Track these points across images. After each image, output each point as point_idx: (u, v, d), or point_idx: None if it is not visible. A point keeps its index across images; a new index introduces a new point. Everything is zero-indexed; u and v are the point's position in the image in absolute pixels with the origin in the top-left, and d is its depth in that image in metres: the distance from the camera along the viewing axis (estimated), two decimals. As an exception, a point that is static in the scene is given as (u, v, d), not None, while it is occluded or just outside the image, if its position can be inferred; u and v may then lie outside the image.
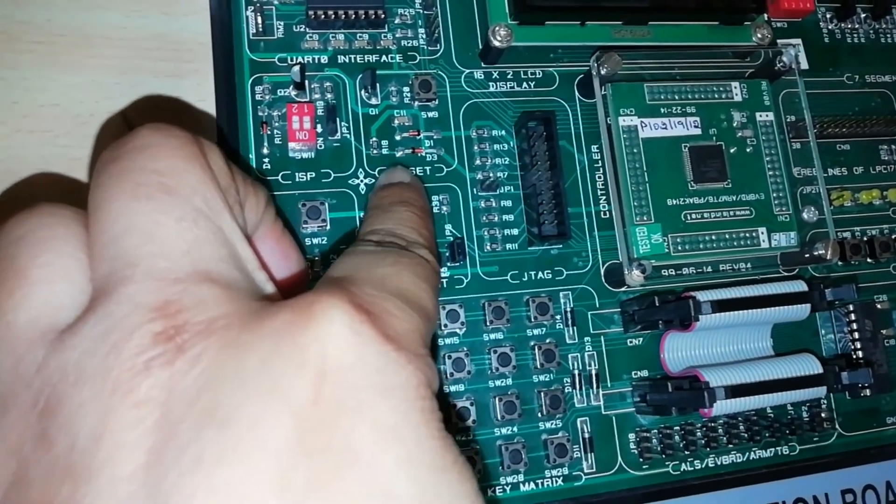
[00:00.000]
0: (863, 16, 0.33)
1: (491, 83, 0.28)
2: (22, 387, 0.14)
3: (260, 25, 0.26)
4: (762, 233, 0.28)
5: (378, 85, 0.27)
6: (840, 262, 0.30)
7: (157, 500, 0.12)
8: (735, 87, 0.29)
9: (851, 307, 0.29)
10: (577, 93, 0.29)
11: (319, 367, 0.13)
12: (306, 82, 0.26)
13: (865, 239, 0.31)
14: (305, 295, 0.14)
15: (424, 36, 0.28)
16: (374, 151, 0.26)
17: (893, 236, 0.31)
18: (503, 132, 0.28)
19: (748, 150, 0.28)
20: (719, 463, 0.27)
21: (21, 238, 0.15)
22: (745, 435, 0.27)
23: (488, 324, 0.26)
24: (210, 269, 0.15)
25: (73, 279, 0.15)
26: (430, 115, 0.27)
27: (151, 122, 0.16)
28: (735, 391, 0.25)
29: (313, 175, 0.26)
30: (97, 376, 0.13)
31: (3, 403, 0.14)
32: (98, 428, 0.13)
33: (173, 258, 0.14)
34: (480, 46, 0.28)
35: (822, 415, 0.28)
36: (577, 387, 0.26)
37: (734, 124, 0.28)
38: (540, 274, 0.27)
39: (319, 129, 0.26)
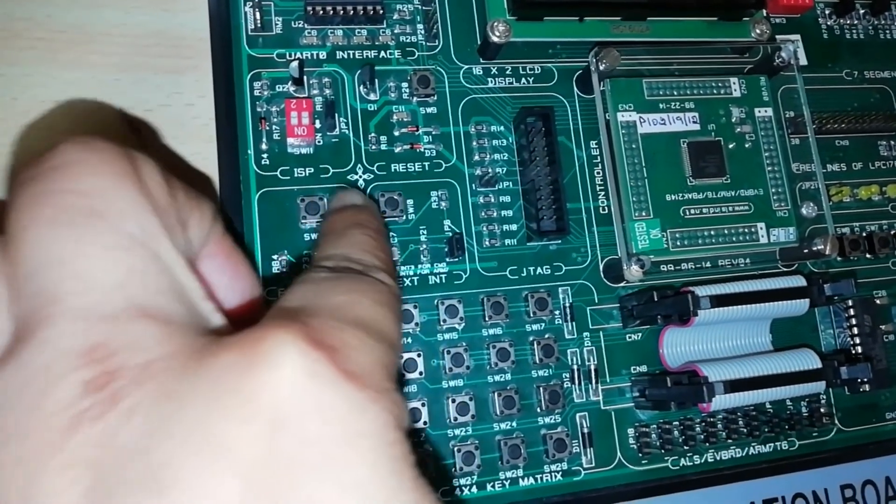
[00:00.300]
0: (861, 12, 0.33)
1: (489, 79, 0.28)
2: None
3: (258, 21, 0.26)
4: (761, 228, 0.28)
5: (377, 80, 0.27)
6: (839, 258, 0.30)
7: None
8: (734, 83, 0.29)
9: (850, 302, 0.29)
10: (575, 88, 0.29)
11: (271, 417, 0.12)
12: (305, 78, 0.26)
13: (864, 234, 0.31)
14: (253, 330, 0.13)
15: (423, 32, 0.28)
16: (373, 147, 0.26)
17: (892, 232, 0.31)
18: (502, 128, 0.28)
19: (747, 145, 0.28)
20: (718, 458, 0.27)
21: None
22: (745, 430, 0.27)
23: (487, 319, 0.26)
24: (146, 304, 0.13)
25: None
26: (429, 110, 0.27)
27: (76, 135, 0.14)
28: (734, 386, 0.25)
29: (312, 171, 0.26)
30: (20, 435, 0.12)
31: None
32: (24, 494, 0.11)
33: (103, 293, 0.13)
34: (479, 42, 0.28)
35: (822, 410, 0.28)
36: (576, 382, 0.27)
37: (733, 120, 0.28)
38: (539, 269, 0.27)
39: (318, 124, 0.26)
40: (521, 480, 0.25)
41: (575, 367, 0.27)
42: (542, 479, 0.26)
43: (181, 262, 0.14)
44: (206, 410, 0.12)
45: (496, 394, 0.25)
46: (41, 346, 0.12)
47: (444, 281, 0.26)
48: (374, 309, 0.16)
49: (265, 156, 0.25)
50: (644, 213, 0.27)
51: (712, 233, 0.27)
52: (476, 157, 0.27)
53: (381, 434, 0.12)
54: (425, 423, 0.25)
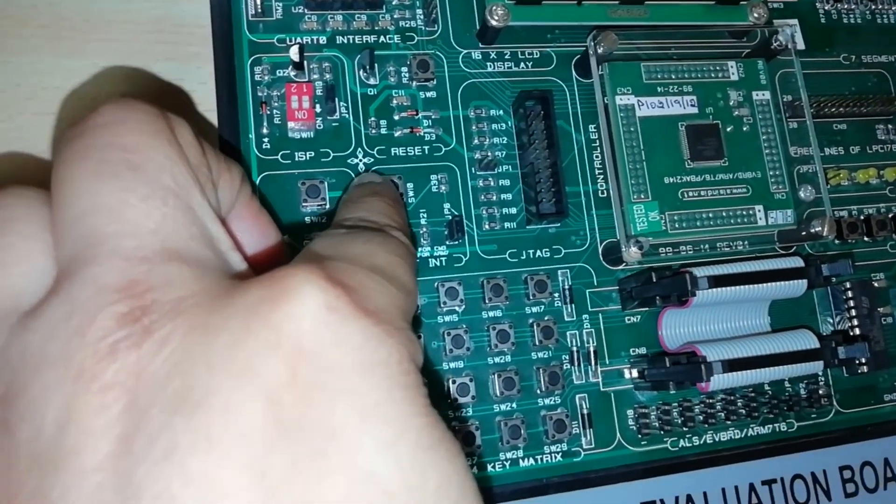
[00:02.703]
0: (859, -4, 0.34)
1: (489, 63, 0.28)
2: None
3: (259, 7, 0.26)
4: (759, 210, 0.28)
5: (376, 65, 0.27)
6: (837, 241, 0.30)
7: (129, 491, 0.12)
8: (731, 67, 0.29)
9: (848, 285, 0.29)
10: (574, 72, 0.29)
11: (294, 345, 0.12)
12: (305, 63, 0.26)
13: (862, 218, 0.31)
14: (278, 270, 0.14)
15: (422, 16, 0.28)
16: (373, 131, 0.27)
17: (890, 215, 0.31)
18: (501, 112, 0.28)
19: (745, 128, 0.29)
20: (717, 439, 0.27)
21: None
22: (743, 411, 0.28)
23: (487, 301, 0.26)
24: (179, 248, 0.14)
25: (35, 261, 0.14)
26: (429, 95, 0.27)
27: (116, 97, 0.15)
28: (732, 365, 0.25)
29: (312, 154, 0.26)
30: (60, 361, 0.12)
31: None
32: (62, 415, 0.12)
33: (140, 237, 0.14)
34: (478, 26, 0.28)
35: (820, 391, 0.29)
36: (576, 364, 0.27)
37: (731, 103, 0.29)
38: (538, 252, 0.27)
39: (318, 108, 0.26)
40: (521, 461, 0.26)
41: (574, 349, 0.27)
42: (542, 459, 0.26)
43: (211, 213, 0.15)
44: (233, 339, 0.12)
45: (496, 375, 0.26)
46: (84, 282, 0.13)
47: (444, 264, 0.26)
48: (389, 258, 0.17)
49: (266, 140, 0.26)
50: (642, 196, 0.27)
51: (710, 215, 0.27)
52: (475, 141, 0.27)
53: (396, 364, 0.13)
54: (426, 403, 0.25)
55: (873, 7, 0.34)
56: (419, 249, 0.26)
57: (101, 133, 0.15)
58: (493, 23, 0.27)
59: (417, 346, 0.15)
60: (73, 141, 0.15)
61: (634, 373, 0.27)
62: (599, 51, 0.27)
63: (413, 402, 0.13)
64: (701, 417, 0.27)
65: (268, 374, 0.12)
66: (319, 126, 0.26)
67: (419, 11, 0.28)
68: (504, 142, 0.28)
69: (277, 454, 0.12)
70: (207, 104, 0.27)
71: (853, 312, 0.29)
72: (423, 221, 0.26)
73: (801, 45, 0.32)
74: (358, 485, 0.12)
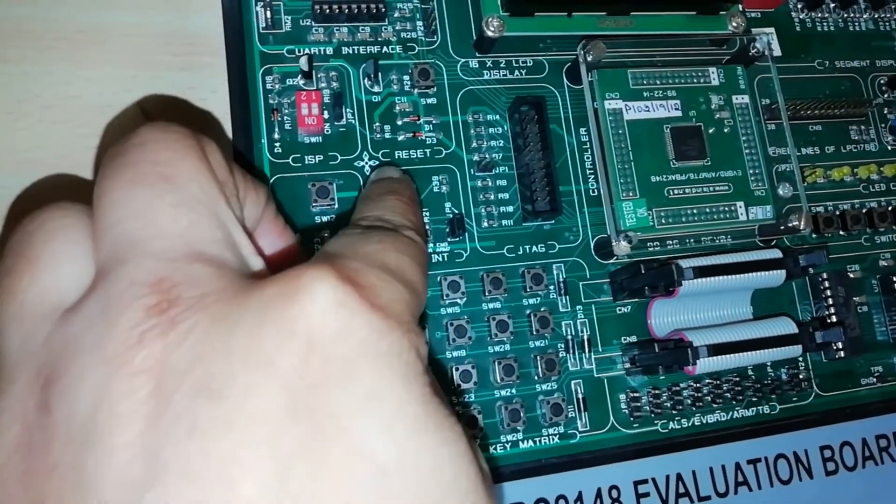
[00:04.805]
0: (832, 5, 0.36)
1: (485, 71, 0.30)
2: (28, 359, 0.15)
3: (269, 20, 0.28)
4: (740, 206, 0.30)
5: (380, 74, 0.29)
6: (814, 235, 0.32)
7: (156, 468, 0.13)
8: (712, 73, 0.31)
9: (825, 275, 0.31)
10: (565, 79, 0.31)
11: (306, 338, 0.13)
12: (313, 72, 0.28)
13: (837, 213, 0.33)
14: (293, 269, 0.15)
15: (422, 28, 0.30)
16: (378, 135, 0.28)
17: (864, 210, 0.33)
18: (497, 116, 0.30)
19: (725, 130, 0.30)
20: (705, 421, 0.29)
21: (34, 230, 0.16)
22: (729, 395, 0.29)
23: (487, 294, 0.28)
24: (203, 251, 0.15)
25: (78, 263, 0.16)
26: (429, 101, 0.29)
27: (157, 119, 0.17)
28: (717, 349, 0.26)
29: (321, 158, 0.28)
30: (94, 348, 0.14)
31: (12, 375, 0.15)
32: (95, 397, 0.13)
33: (168, 239, 0.15)
34: (475, 37, 0.30)
35: (801, 376, 0.30)
36: (571, 351, 0.28)
37: (712, 107, 0.31)
38: (534, 248, 0.29)
39: (326, 115, 0.28)
40: (521, 443, 0.27)
41: (569, 337, 0.28)
42: (540, 441, 0.27)
43: (234, 221, 0.17)
44: (252, 331, 0.14)
45: (496, 363, 0.27)
46: (118, 278, 0.14)
47: (446, 259, 0.28)
48: (399, 258, 0.18)
49: (277, 144, 0.27)
50: (631, 194, 0.29)
51: (695, 211, 0.29)
52: (474, 144, 0.29)
53: (397, 356, 0.14)
54: (431, 390, 0.26)
55: (845, 16, 0.36)
56: (422, 246, 0.28)
57: (137, 150, 0.16)
58: (489, 33, 0.29)
59: (422, 339, 0.15)
60: (114, 158, 0.16)
61: (626, 360, 0.29)
62: (589, 59, 0.29)
63: (410, 390, 0.14)
64: (689, 401, 0.29)
65: (281, 363, 0.13)
66: (327, 131, 0.28)
67: (419, 23, 0.30)
68: (500, 145, 0.29)
69: (289, 434, 0.13)
70: (219, 112, 0.29)
71: (830, 301, 0.31)
72: (426, 220, 0.28)
73: (777, 52, 0.34)
74: (358, 462, 0.13)
